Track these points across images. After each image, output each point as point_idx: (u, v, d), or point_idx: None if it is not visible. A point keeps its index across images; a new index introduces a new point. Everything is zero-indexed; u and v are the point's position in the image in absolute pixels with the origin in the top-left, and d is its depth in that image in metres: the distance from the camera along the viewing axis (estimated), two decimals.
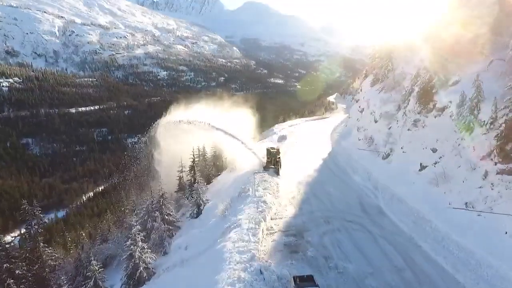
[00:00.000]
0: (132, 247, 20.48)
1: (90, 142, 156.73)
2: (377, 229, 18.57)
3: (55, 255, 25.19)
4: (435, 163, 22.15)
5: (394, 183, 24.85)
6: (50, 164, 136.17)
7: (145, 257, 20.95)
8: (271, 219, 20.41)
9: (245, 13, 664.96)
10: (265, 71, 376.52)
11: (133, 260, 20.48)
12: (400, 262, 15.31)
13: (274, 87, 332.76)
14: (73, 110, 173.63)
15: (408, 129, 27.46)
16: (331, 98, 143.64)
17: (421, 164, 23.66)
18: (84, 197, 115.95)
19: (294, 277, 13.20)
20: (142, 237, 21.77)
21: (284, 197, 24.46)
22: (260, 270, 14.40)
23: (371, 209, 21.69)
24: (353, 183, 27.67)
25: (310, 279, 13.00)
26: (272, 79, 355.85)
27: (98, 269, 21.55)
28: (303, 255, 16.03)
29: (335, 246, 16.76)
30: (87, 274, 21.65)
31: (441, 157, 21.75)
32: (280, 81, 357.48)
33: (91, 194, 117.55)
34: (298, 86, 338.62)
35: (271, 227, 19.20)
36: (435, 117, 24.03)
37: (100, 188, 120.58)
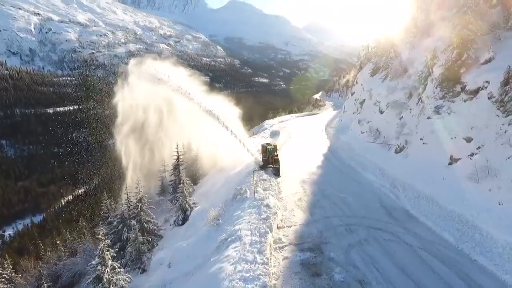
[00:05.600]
0: (99, 267, 15.83)
1: (69, 143, 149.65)
2: (413, 239, 14.49)
3: (5, 276, 20.44)
4: (471, 155, 18.32)
5: (417, 180, 20.99)
6: (26, 166, 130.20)
7: (116, 279, 16.37)
8: (278, 228, 16.03)
9: (228, 12, 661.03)
10: (250, 70, 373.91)
11: (101, 284, 15.89)
12: (462, 287, 11.28)
13: (259, 86, 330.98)
14: (50, 110, 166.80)
15: (428, 118, 23.68)
16: (317, 96, 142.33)
17: (451, 156, 19.81)
18: (62, 201, 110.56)
19: None
20: (113, 253, 17.20)
21: (289, 200, 20.20)
22: None
23: (396, 212, 17.67)
24: (365, 181, 23.67)
25: None
26: (257, 78, 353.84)
27: None
28: (329, 280, 11.69)
29: (368, 265, 12.47)
30: None
31: (479, 147, 17.90)
32: (265, 80, 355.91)
33: (70, 197, 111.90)
34: (283, 86, 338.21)
35: (280, 239, 14.76)
36: (465, 101, 20.21)
37: (80, 191, 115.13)
